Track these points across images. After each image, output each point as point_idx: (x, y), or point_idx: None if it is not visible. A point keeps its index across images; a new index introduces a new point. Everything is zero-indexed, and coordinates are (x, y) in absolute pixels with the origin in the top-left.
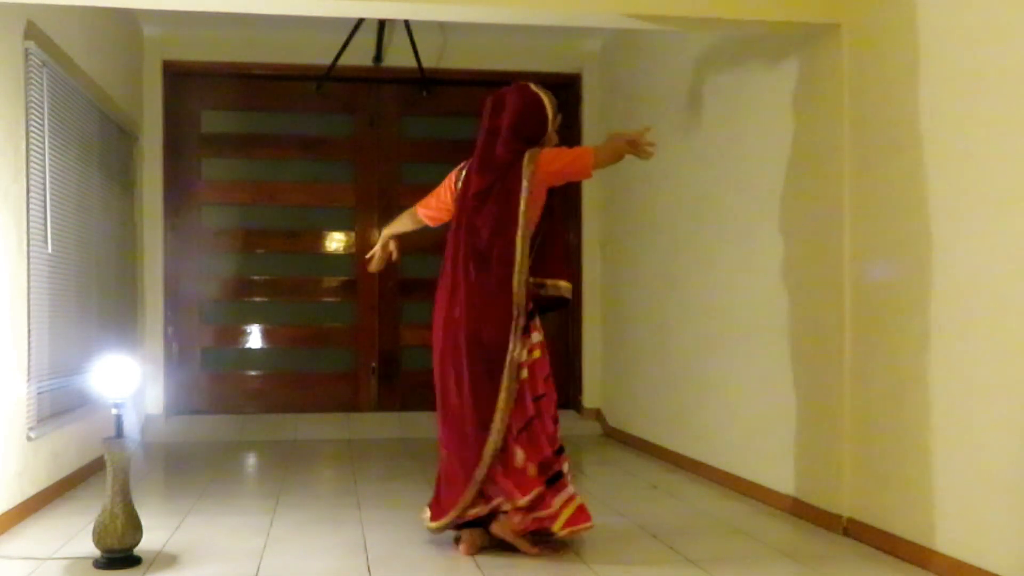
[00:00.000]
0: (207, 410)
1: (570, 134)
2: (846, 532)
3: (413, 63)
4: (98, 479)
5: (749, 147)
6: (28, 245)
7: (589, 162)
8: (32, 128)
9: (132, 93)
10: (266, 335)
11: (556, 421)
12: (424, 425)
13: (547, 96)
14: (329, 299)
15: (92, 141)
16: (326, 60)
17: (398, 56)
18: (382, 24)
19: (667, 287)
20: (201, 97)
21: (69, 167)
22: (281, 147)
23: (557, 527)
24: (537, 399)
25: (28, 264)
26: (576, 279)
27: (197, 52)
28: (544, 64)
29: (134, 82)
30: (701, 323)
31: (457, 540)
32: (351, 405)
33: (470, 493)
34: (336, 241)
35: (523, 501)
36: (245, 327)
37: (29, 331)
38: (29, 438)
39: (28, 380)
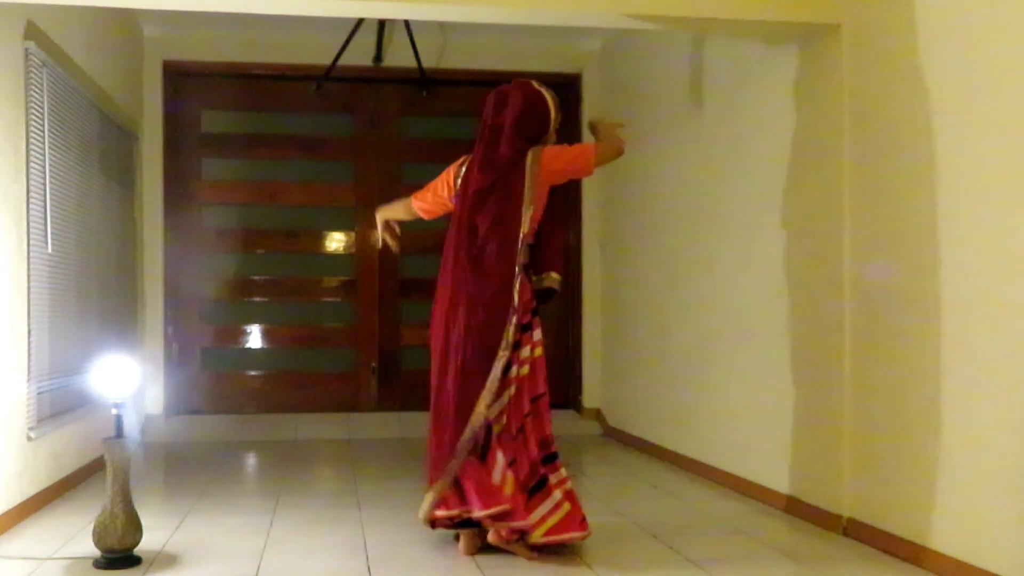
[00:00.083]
0: (207, 410)
1: (570, 134)
2: (846, 532)
3: (413, 63)
4: (98, 479)
5: (749, 147)
6: (28, 245)
7: (591, 160)
8: (32, 128)
9: (132, 93)
10: (266, 335)
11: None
12: (424, 425)
13: (550, 94)
14: (329, 299)
15: (92, 141)
16: (326, 60)
17: (398, 56)
18: (382, 24)
19: (667, 287)
20: (201, 97)
21: (69, 167)
22: (281, 147)
23: (537, 535)
24: (536, 399)
25: (28, 264)
26: (576, 279)
27: (197, 52)
28: (544, 64)
29: (134, 82)
30: (701, 323)
31: (457, 538)
32: (351, 405)
33: (443, 483)
34: (336, 241)
35: (481, 513)
36: (245, 327)
37: (29, 331)
38: (29, 438)
39: (28, 380)
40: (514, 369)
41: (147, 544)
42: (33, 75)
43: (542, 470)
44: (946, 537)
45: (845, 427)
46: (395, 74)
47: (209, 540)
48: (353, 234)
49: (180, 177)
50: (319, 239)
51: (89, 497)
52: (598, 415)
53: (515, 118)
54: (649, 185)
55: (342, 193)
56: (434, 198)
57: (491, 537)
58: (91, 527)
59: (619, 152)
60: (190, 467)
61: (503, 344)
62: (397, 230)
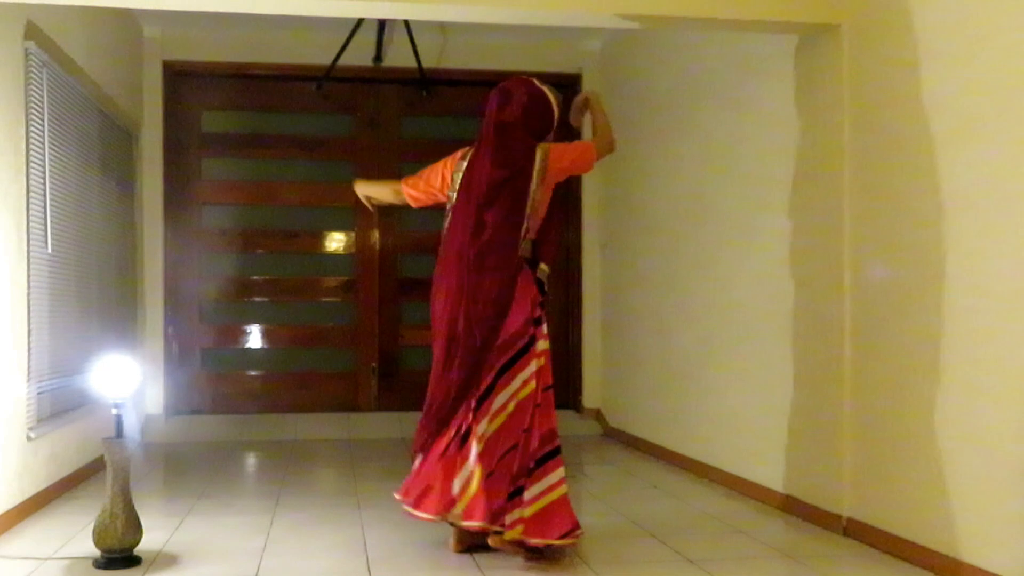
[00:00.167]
0: (207, 410)
1: (570, 134)
2: (846, 532)
3: (413, 63)
4: (98, 479)
5: (749, 147)
6: (28, 245)
7: (593, 157)
8: (32, 128)
9: (132, 93)
10: (266, 335)
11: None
12: None
13: (552, 92)
14: (329, 299)
15: (92, 141)
16: (326, 60)
17: (398, 56)
18: (382, 24)
19: (667, 287)
20: (201, 97)
21: (69, 167)
22: (281, 147)
23: (512, 534)
24: (546, 389)
25: (28, 264)
26: (576, 279)
27: (197, 52)
28: (544, 64)
29: (134, 82)
30: (701, 323)
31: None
32: (351, 405)
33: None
34: (336, 241)
35: (426, 516)
36: (245, 327)
37: (29, 331)
38: (29, 438)
39: (28, 380)
40: (533, 363)
41: (147, 544)
42: (33, 75)
43: (532, 466)
44: (946, 537)
45: (845, 427)
46: (395, 74)
47: (209, 540)
48: (353, 234)
49: (180, 177)
50: (319, 239)
51: (89, 497)
52: (598, 415)
53: (522, 114)
54: (649, 185)
55: (342, 193)
56: (426, 187)
57: (492, 540)
58: (91, 527)
59: (612, 148)
60: (190, 467)
61: (517, 339)
62: (371, 208)
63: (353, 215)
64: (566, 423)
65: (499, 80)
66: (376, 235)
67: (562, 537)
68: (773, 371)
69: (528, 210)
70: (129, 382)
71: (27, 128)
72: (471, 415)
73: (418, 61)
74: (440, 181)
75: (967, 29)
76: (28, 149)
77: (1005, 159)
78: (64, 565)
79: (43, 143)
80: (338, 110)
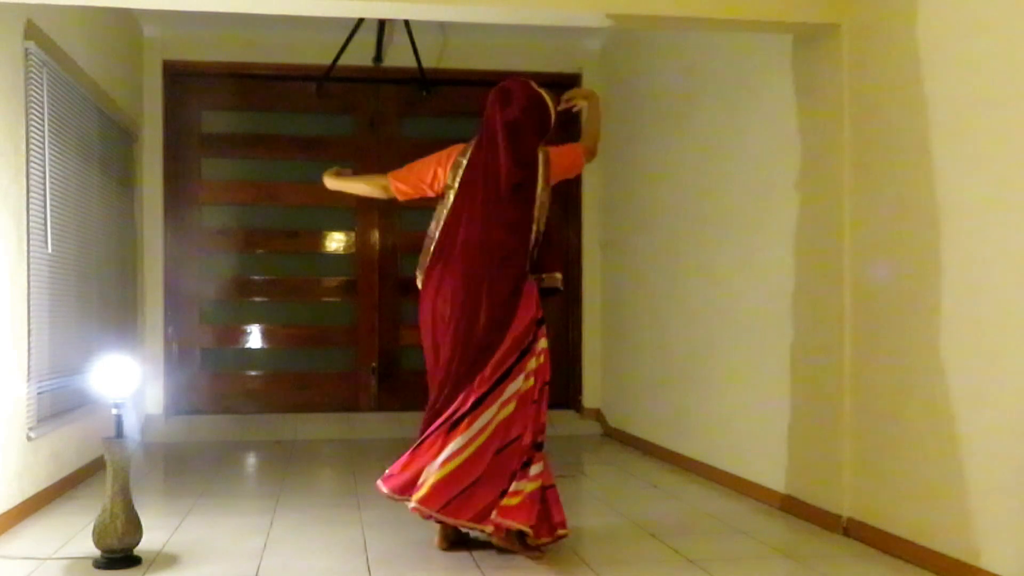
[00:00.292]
0: (207, 410)
1: (570, 134)
2: (846, 532)
3: (413, 63)
4: (98, 479)
5: (749, 147)
6: (28, 245)
7: (582, 162)
8: (32, 128)
9: (132, 93)
10: (266, 335)
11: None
12: None
13: (549, 96)
14: (329, 299)
15: (92, 141)
16: (326, 60)
17: (398, 56)
18: (382, 24)
19: (667, 287)
20: (201, 97)
21: (69, 167)
22: (281, 147)
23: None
24: (545, 385)
25: (28, 264)
26: (576, 279)
27: (197, 52)
28: (544, 64)
29: (134, 82)
30: (701, 323)
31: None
32: (351, 405)
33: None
34: (336, 241)
35: (398, 499)
36: (245, 327)
37: (29, 331)
38: (29, 438)
39: (28, 380)
40: (532, 361)
41: (147, 544)
42: (33, 75)
43: (526, 460)
44: (946, 537)
45: (845, 427)
46: (395, 74)
47: (209, 540)
48: (353, 234)
49: (180, 177)
50: (319, 239)
51: (89, 497)
52: (598, 415)
53: (522, 115)
54: (649, 185)
55: (342, 193)
56: (416, 182)
57: (495, 539)
58: (91, 527)
59: (594, 155)
60: (190, 467)
61: (523, 340)
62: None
63: (353, 215)
64: (566, 423)
65: (499, 80)
66: (376, 235)
67: (523, 527)
68: (773, 371)
69: (536, 212)
70: (129, 382)
71: (27, 128)
72: (467, 406)
73: (418, 61)
74: (432, 177)
75: (967, 29)
76: (28, 149)
77: (1005, 159)
78: (64, 565)
79: (43, 143)
80: (338, 110)
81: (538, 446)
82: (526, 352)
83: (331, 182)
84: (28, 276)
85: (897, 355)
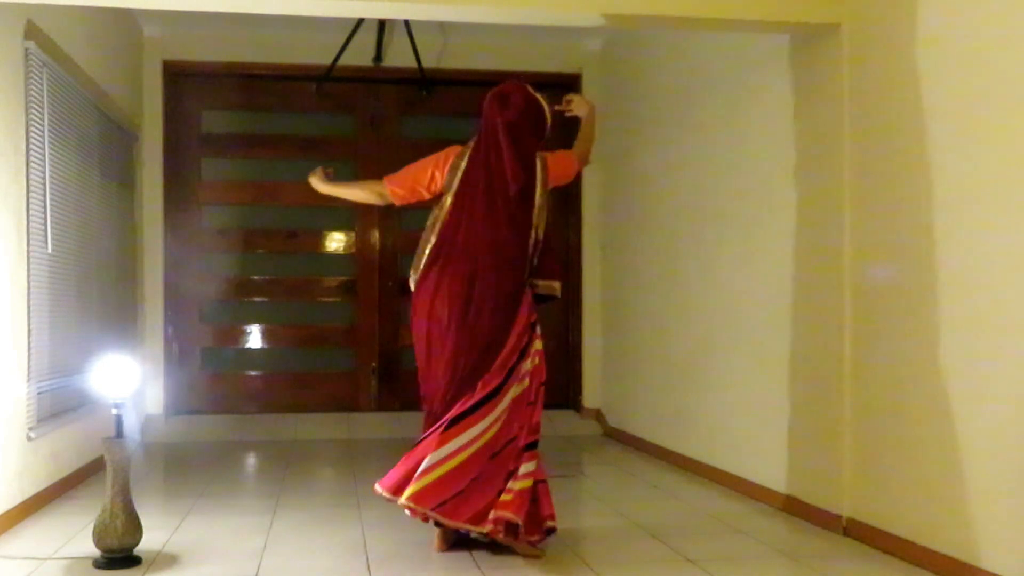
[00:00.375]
0: (207, 410)
1: (571, 134)
2: (846, 532)
3: (413, 63)
4: (98, 479)
5: (749, 147)
6: (28, 245)
7: (575, 170)
8: (32, 128)
9: (132, 93)
10: (266, 335)
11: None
12: None
13: (544, 101)
14: (329, 299)
15: (92, 141)
16: (326, 60)
17: (398, 56)
18: (382, 24)
19: (667, 287)
20: (201, 97)
21: (69, 167)
22: (281, 147)
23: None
24: (540, 385)
25: (28, 264)
26: (576, 279)
27: (197, 52)
28: (544, 64)
29: (134, 82)
30: (701, 323)
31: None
32: (351, 405)
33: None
34: (336, 241)
35: (390, 498)
36: (245, 327)
37: (29, 331)
38: (29, 438)
39: (28, 380)
40: (528, 363)
41: (147, 544)
42: (33, 75)
43: (513, 464)
44: (946, 537)
45: (845, 427)
46: (395, 74)
47: (209, 540)
48: (353, 234)
49: (180, 177)
50: (319, 239)
51: (89, 497)
52: (598, 415)
53: (520, 118)
54: (649, 185)
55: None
56: (413, 185)
57: (497, 537)
58: (91, 527)
59: (585, 163)
60: (190, 467)
61: (520, 343)
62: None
63: (353, 215)
64: (566, 423)
65: (499, 80)
66: (376, 235)
67: (514, 518)
68: (773, 371)
69: (535, 217)
70: (129, 382)
71: (27, 128)
72: (467, 407)
73: (418, 61)
74: (429, 179)
75: (967, 29)
76: (28, 149)
77: (1005, 158)
78: (64, 565)
79: (43, 143)
80: (338, 110)
81: (531, 446)
82: (523, 355)
83: (323, 187)
84: (28, 276)
85: (897, 355)
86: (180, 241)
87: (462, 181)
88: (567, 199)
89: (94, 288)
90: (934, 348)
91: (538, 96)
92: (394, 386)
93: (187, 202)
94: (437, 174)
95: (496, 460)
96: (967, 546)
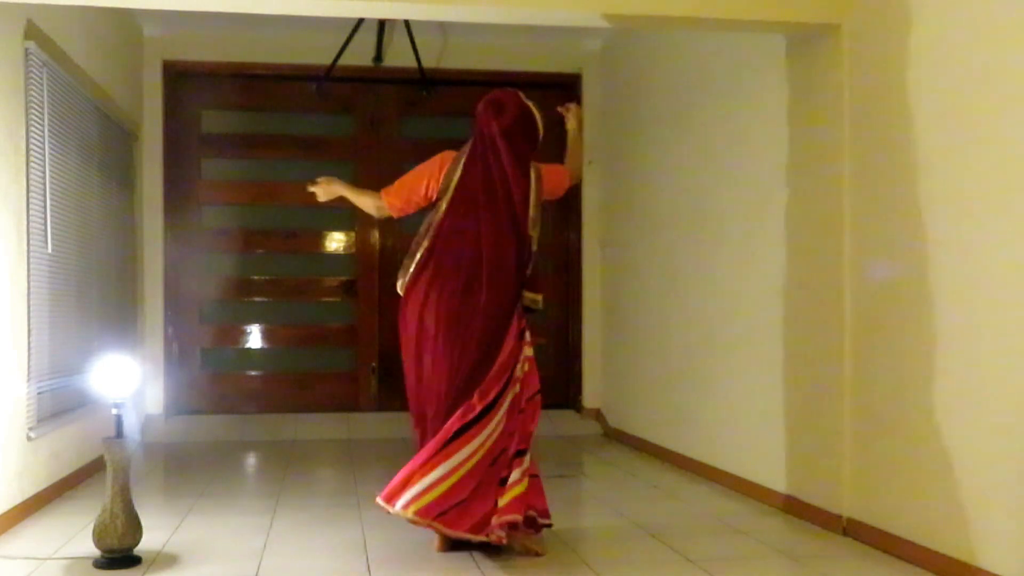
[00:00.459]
0: (207, 410)
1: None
2: (846, 532)
3: (413, 63)
4: (98, 479)
5: (749, 147)
6: (28, 245)
7: (567, 185)
8: (32, 128)
9: (132, 93)
10: (266, 335)
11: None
12: None
13: (537, 110)
14: (329, 299)
15: (92, 141)
16: (326, 60)
17: (398, 56)
18: (382, 24)
19: (667, 287)
20: (201, 97)
21: (69, 167)
22: (281, 147)
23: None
24: (532, 397)
25: (28, 264)
26: (576, 279)
27: (197, 52)
28: (544, 64)
29: (134, 82)
30: (701, 323)
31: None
32: (351, 405)
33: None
34: (336, 241)
35: (383, 504)
36: (245, 327)
37: (29, 331)
38: (29, 438)
39: (28, 380)
40: (518, 369)
41: (147, 544)
42: (33, 75)
43: (506, 471)
44: (946, 537)
45: (845, 427)
46: (395, 74)
47: (209, 540)
48: (353, 234)
49: (180, 177)
50: (319, 239)
51: (89, 497)
52: (598, 415)
53: (518, 125)
54: (649, 185)
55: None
56: (409, 195)
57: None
58: (91, 527)
59: (577, 180)
60: (190, 467)
61: (512, 355)
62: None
63: (353, 215)
64: (566, 423)
65: (499, 80)
66: (376, 235)
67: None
68: (773, 371)
69: (530, 228)
70: (129, 382)
71: (27, 128)
72: (468, 420)
73: (418, 61)
74: (424, 189)
75: (967, 29)
76: (28, 149)
77: (1005, 159)
78: (64, 565)
79: (43, 143)
80: (338, 110)
81: (521, 452)
82: (516, 362)
83: (338, 187)
84: (28, 276)
85: (897, 355)
86: (180, 241)
87: (458, 187)
88: (567, 199)
89: (94, 288)
90: (934, 348)
91: (530, 104)
92: (394, 386)
93: (187, 202)
94: (431, 182)
95: (494, 467)
96: (967, 546)
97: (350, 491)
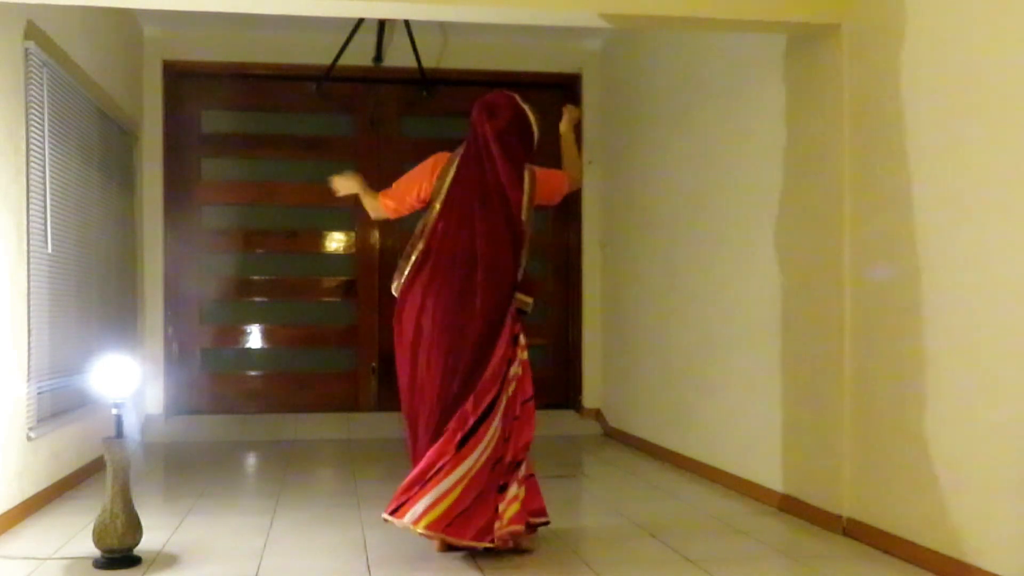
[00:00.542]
0: (207, 410)
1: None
2: (846, 532)
3: (413, 63)
4: (98, 479)
5: (749, 147)
6: (28, 245)
7: (565, 191)
8: (32, 128)
9: (132, 93)
10: (266, 335)
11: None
12: None
13: (532, 113)
14: (329, 299)
15: (92, 141)
16: (326, 60)
17: (398, 56)
18: (382, 24)
19: (667, 287)
20: (201, 97)
21: (69, 167)
22: (281, 147)
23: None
24: (526, 402)
25: (28, 264)
26: (576, 279)
27: (197, 52)
28: (544, 64)
29: (134, 82)
30: (701, 323)
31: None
32: (351, 405)
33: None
34: (336, 241)
35: (396, 520)
36: (245, 327)
37: (29, 331)
38: (29, 438)
39: (28, 380)
40: (511, 370)
41: (147, 544)
42: (33, 75)
43: (503, 479)
44: (946, 537)
45: (845, 427)
46: (395, 74)
47: (209, 540)
48: (353, 234)
49: (180, 177)
50: (319, 239)
51: (89, 497)
52: (598, 415)
53: (512, 128)
54: (649, 185)
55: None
56: (403, 197)
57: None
58: (91, 527)
59: (578, 186)
60: (190, 467)
61: (505, 360)
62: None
63: (353, 215)
64: (566, 423)
65: (499, 80)
66: (376, 235)
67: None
68: (773, 371)
69: (525, 229)
70: (129, 382)
71: (27, 128)
72: (468, 427)
73: (418, 61)
74: (418, 191)
75: (967, 29)
76: (28, 149)
77: (1005, 159)
78: (64, 565)
79: (43, 143)
80: (338, 110)
81: (517, 465)
82: (510, 364)
83: (353, 184)
84: (28, 276)
85: (897, 355)
86: (180, 241)
87: (451, 189)
88: (567, 199)
89: (94, 288)
90: (934, 348)
91: (526, 107)
92: (394, 386)
93: (187, 202)
94: (425, 184)
95: (493, 473)
96: (967, 546)
97: (350, 491)
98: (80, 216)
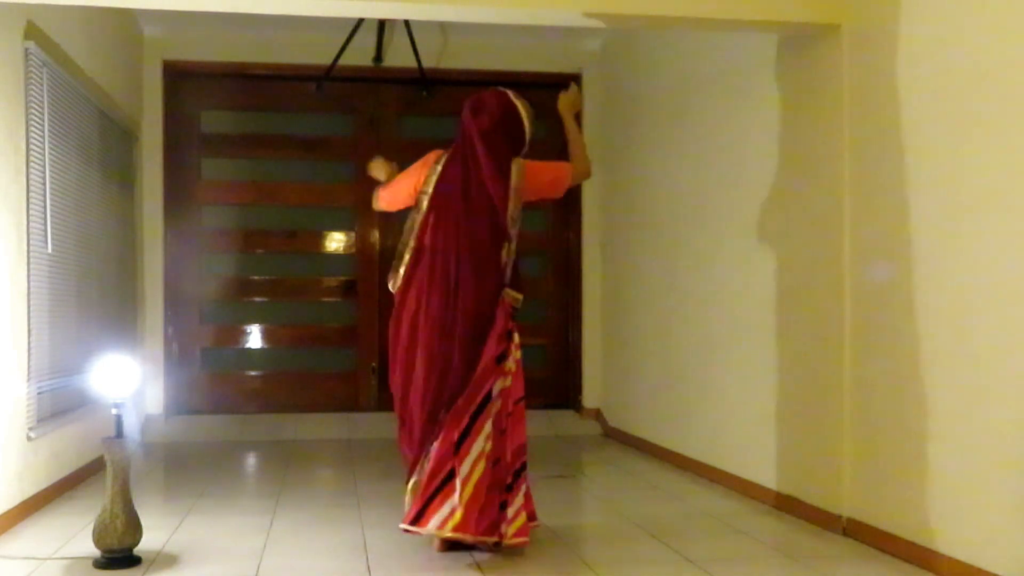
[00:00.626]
0: (207, 410)
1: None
2: (845, 532)
3: (413, 63)
4: (98, 479)
5: (749, 147)
6: (28, 245)
7: (567, 183)
8: (32, 128)
9: (132, 93)
10: (266, 335)
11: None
12: None
13: (525, 108)
14: (329, 299)
15: (92, 141)
16: (326, 60)
17: (398, 56)
18: (382, 24)
19: (667, 287)
20: (201, 97)
21: (69, 167)
22: (281, 147)
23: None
24: (517, 402)
25: (28, 264)
26: (576, 279)
27: (197, 52)
28: (544, 64)
29: (134, 82)
30: (701, 323)
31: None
32: (351, 405)
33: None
34: (336, 241)
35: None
36: (245, 327)
37: (29, 331)
38: (29, 438)
39: (28, 380)
40: (499, 383)
41: (147, 544)
42: (33, 75)
43: (510, 481)
44: (946, 537)
45: (845, 427)
46: (395, 74)
47: (209, 540)
48: (353, 234)
49: (180, 177)
50: (319, 239)
51: (89, 497)
52: (598, 415)
53: (497, 126)
54: (649, 185)
55: (342, 193)
56: (396, 193)
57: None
58: (91, 527)
59: (588, 175)
60: (190, 467)
61: (496, 358)
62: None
63: (353, 215)
64: (566, 423)
65: (499, 80)
66: (376, 235)
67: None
68: (773, 371)
69: (510, 226)
70: (129, 382)
71: (27, 128)
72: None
73: (418, 61)
74: (409, 186)
75: (966, 29)
76: (28, 149)
77: (1005, 159)
78: (64, 565)
79: (43, 143)
80: (338, 110)
81: (523, 467)
82: (501, 359)
83: (382, 173)
84: (28, 276)
85: (897, 355)
86: (180, 241)
87: (438, 186)
88: (567, 199)
89: (94, 288)
90: (934, 348)
91: (518, 105)
92: None
93: (187, 202)
94: (416, 181)
95: (496, 469)
96: (967, 546)
97: (350, 491)
98: (80, 216)
